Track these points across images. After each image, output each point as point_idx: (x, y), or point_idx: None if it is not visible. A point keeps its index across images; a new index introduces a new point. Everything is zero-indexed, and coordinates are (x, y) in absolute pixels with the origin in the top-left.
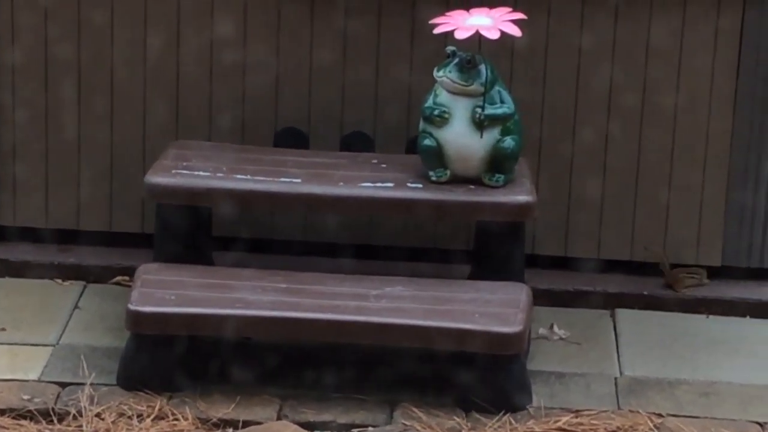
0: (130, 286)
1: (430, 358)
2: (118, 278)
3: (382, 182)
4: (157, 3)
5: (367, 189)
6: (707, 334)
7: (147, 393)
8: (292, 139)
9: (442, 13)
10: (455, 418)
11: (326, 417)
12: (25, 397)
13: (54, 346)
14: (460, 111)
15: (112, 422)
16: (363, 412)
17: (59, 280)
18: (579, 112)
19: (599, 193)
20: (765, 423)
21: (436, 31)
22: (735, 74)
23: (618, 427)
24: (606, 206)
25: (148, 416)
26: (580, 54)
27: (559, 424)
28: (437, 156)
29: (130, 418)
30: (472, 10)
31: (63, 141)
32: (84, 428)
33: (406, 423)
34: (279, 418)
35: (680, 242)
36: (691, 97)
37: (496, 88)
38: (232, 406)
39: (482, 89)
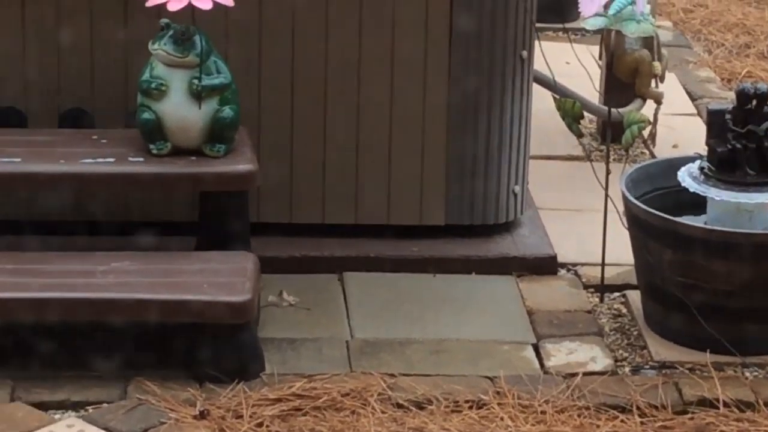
0: None
1: (162, 331)
2: None
3: (103, 158)
4: None
5: (88, 165)
6: (435, 292)
7: None
8: (9, 118)
9: None
10: (189, 389)
11: (60, 396)
12: None
13: None
14: (177, 83)
15: None
16: (97, 389)
17: None
18: (296, 78)
19: (321, 159)
20: (495, 377)
21: (149, 4)
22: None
23: (351, 390)
24: (328, 171)
25: None
26: (293, 24)
27: (293, 389)
28: (157, 129)
29: None
30: None
31: None
32: None
33: (141, 397)
34: (12, 401)
35: (403, 203)
36: (408, 68)
37: (212, 58)
38: None
39: (198, 60)
